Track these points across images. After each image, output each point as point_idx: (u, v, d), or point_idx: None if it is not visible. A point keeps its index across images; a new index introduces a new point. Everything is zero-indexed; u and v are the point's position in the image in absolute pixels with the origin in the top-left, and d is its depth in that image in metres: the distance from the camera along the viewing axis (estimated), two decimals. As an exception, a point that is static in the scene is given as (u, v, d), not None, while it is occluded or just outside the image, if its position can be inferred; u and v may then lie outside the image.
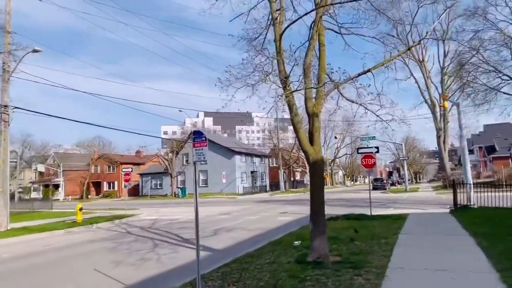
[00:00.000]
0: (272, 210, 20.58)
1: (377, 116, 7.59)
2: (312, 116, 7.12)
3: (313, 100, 7.26)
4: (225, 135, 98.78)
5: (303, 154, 7.22)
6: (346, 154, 76.31)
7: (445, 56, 35.44)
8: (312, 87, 6.92)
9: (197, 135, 5.10)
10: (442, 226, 10.72)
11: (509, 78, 20.47)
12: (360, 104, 7.51)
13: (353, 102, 7.63)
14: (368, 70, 7.14)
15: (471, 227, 9.61)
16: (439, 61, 36.56)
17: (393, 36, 30.02)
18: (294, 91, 6.87)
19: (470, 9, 20.94)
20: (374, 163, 14.83)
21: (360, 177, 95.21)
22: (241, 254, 7.92)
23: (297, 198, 31.94)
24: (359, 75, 7.14)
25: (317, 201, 6.90)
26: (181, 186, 46.91)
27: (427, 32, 7.43)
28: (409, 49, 7.40)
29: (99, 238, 12.58)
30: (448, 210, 14.76)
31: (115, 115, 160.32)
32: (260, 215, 18.25)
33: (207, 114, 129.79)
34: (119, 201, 42.10)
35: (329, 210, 16.89)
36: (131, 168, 23.79)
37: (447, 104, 25.28)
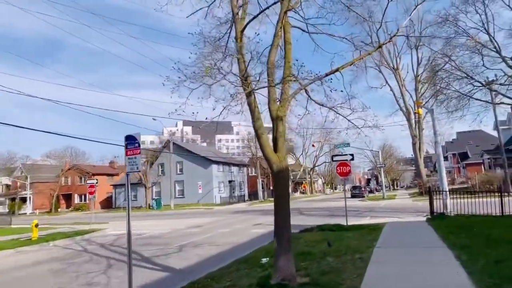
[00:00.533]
0: (247, 221, 19.71)
1: (349, 121, 7.05)
2: (276, 119, 6.43)
3: (278, 102, 6.60)
4: (204, 144, 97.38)
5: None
6: (325, 162, 76.40)
7: (418, 64, 36.10)
8: (274, 85, 6.24)
9: (129, 141, 4.20)
10: (419, 237, 10.19)
11: (480, 85, 20.69)
12: (330, 108, 6.93)
13: (322, 105, 7.02)
14: (337, 70, 6.54)
15: (449, 237, 9.10)
16: (413, 69, 37.20)
17: (367, 44, 30.16)
18: (255, 89, 6.17)
19: (441, 15, 21.18)
20: (349, 171, 14.30)
21: (340, 185, 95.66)
22: (202, 275, 7.06)
23: (274, 207, 31.10)
24: (327, 74, 6.52)
25: (281, 214, 6.19)
26: (156, 198, 45.26)
27: (397, 29, 6.92)
28: (380, 46, 6.92)
29: (50, 258, 11.32)
30: (424, 219, 14.37)
31: (91, 125, 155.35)
32: (233, 227, 17.33)
33: (186, 123, 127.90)
34: (90, 214, 39.96)
35: (305, 221, 16.36)
36: (97, 179, 22.47)
37: (422, 111, 25.39)
